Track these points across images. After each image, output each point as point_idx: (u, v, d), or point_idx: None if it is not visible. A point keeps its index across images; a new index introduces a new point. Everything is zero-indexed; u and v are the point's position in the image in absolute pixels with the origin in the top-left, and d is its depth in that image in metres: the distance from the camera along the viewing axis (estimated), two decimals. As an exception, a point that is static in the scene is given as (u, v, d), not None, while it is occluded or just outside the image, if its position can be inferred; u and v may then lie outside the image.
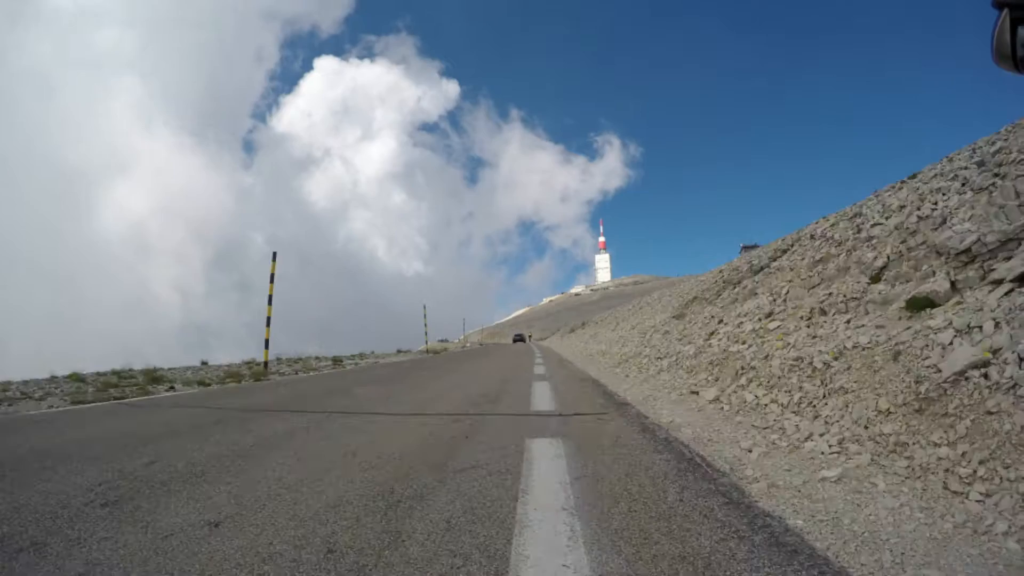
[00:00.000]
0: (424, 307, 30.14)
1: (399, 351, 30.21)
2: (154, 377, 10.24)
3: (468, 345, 60.04)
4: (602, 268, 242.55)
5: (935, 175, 5.85)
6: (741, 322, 6.83)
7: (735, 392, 4.49)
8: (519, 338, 58.78)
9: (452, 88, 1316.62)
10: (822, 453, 2.78)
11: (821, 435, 2.97)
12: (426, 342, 32.20)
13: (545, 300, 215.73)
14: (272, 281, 12.52)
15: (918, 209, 4.86)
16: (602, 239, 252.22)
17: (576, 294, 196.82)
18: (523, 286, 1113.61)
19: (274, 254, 12.79)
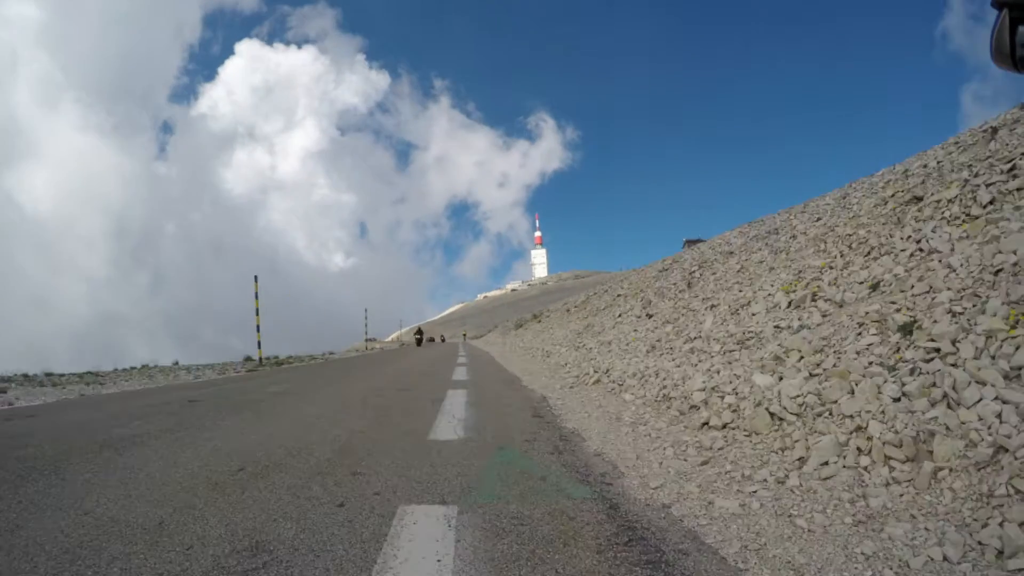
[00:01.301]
0: (366, 310, 31.32)
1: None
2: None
3: (402, 344, 53.70)
4: (539, 264, 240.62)
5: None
6: None
7: None
8: (421, 338, 34.86)
9: (380, 76, 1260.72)
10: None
11: None
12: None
13: (480, 296, 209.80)
14: (256, 298, 15.27)
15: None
16: (538, 234, 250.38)
17: (513, 290, 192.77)
18: (459, 276, 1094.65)
19: (255, 277, 15.53)
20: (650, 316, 10.83)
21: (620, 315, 12.59)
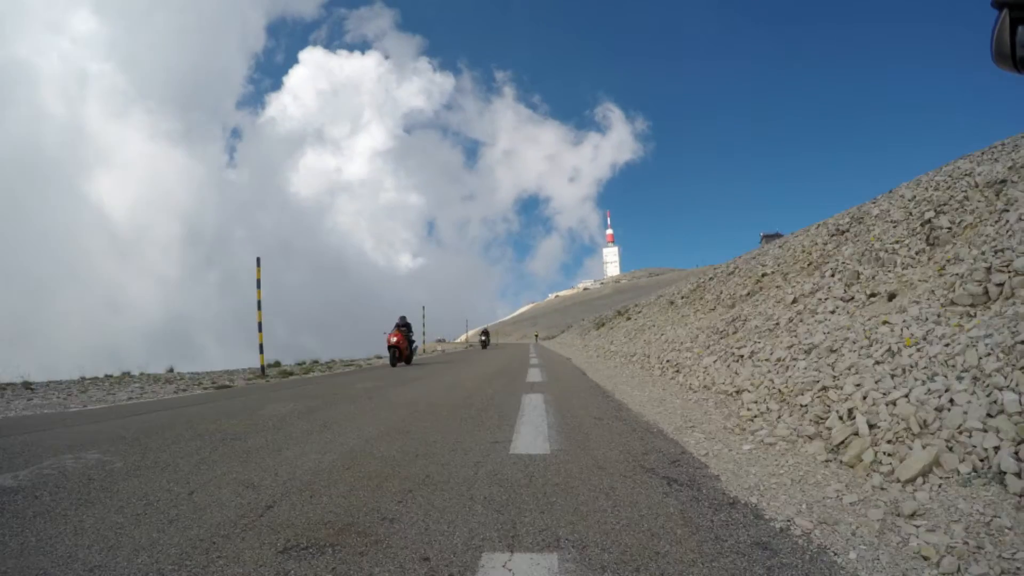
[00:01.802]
0: (423, 308, 27.58)
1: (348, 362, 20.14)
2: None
3: (470, 345, 50.73)
4: (611, 262, 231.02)
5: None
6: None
7: None
8: (487, 340, 34.49)
9: (443, 76, 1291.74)
10: None
11: None
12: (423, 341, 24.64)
13: (551, 296, 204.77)
14: (259, 287, 12.07)
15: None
16: (609, 231, 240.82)
17: (585, 288, 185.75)
18: (529, 274, 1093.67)
19: (258, 259, 12.29)
20: (872, 296, 5.82)
21: (797, 298, 7.45)
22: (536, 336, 78.04)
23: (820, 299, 6.85)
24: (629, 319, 17.22)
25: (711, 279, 13.52)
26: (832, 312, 6.22)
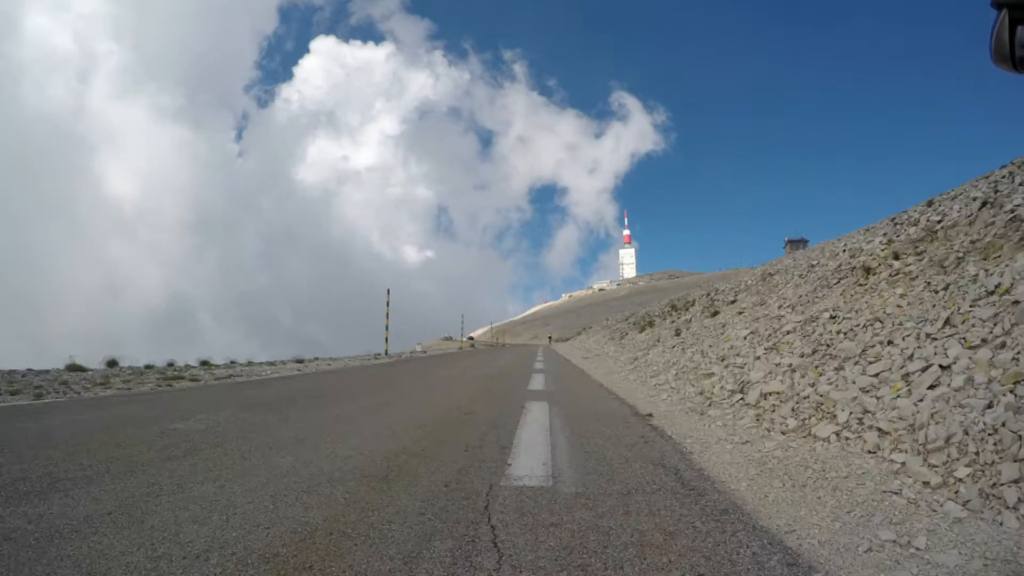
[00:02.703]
0: (387, 290, 23.36)
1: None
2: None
3: (467, 347, 46.48)
4: (627, 264, 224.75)
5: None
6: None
7: None
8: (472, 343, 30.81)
9: (455, 66, 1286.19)
10: None
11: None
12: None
13: (565, 296, 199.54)
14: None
15: None
16: (627, 232, 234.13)
17: (600, 289, 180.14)
18: (543, 270, 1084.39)
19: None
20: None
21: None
22: (550, 338, 73.32)
23: None
24: (716, 314, 12.17)
25: (783, 268, 8.82)
26: None
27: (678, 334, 12.75)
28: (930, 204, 8.54)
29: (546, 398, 6.72)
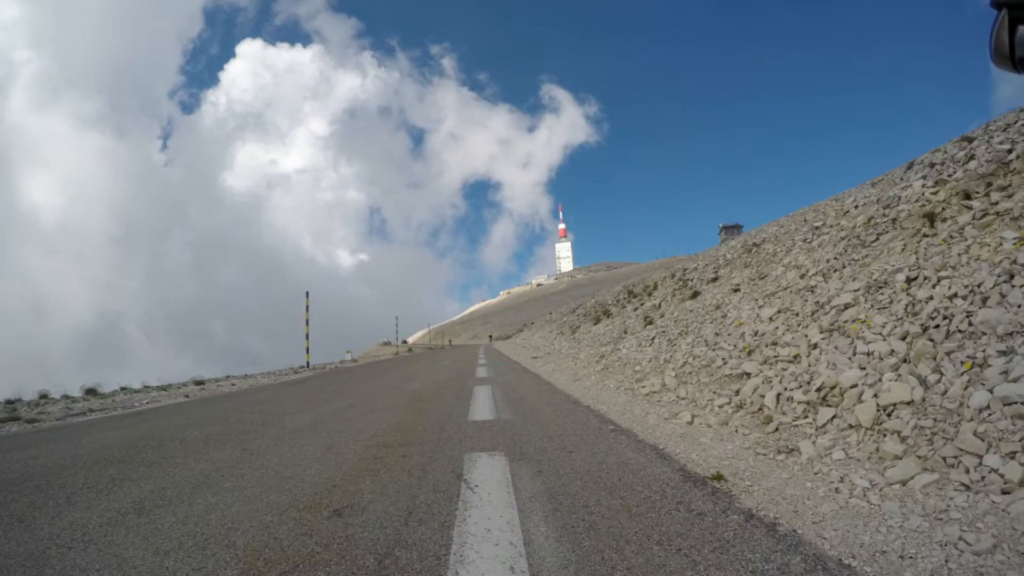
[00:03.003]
0: (307, 293, 19.97)
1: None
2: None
3: (400, 351, 42.94)
4: (564, 257, 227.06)
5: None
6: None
7: None
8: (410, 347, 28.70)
9: (383, 65, 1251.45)
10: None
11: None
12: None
13: (503, 293, 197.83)
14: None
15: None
16: (562, 226, 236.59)
17: (538, 284, 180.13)
18: (480, 265, 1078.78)
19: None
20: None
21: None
22: (490, 337, 70.67)
23: None
24: (696, 295, 9.91)
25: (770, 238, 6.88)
26: None
27: (650, 322, 10.59)
28: (969, 140, 6.82)
29: (502, 444, 4.00)
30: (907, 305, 4.29)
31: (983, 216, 4.91)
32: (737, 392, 4.80)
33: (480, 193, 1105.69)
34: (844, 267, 5.94)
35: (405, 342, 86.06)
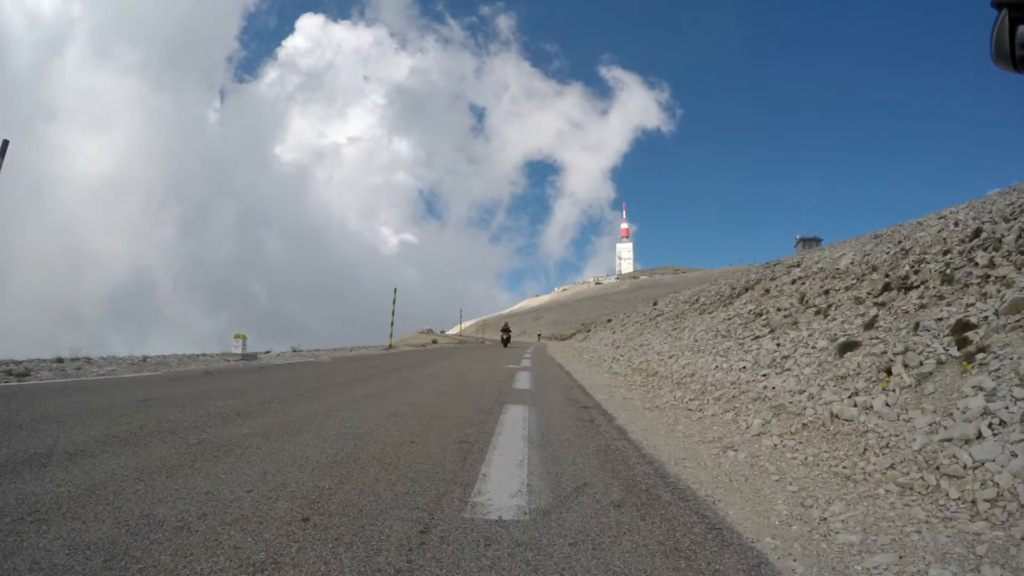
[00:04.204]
0: (395, 291, 25.26)
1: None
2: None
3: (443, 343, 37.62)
4: (625, 258, 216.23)
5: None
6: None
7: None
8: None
9: (444, 45, 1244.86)
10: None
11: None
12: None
13: (558, 289, 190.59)
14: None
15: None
16: (624, 226, 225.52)
17: (598, 282, 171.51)
18: (537, 249, 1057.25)
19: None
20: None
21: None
22: (539, 336, 63.87)
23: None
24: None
25: None
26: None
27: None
28: None
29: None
30: None
31: None
32: None
33: (540, 174, 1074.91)
34: None
35: (442, 332, 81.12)
